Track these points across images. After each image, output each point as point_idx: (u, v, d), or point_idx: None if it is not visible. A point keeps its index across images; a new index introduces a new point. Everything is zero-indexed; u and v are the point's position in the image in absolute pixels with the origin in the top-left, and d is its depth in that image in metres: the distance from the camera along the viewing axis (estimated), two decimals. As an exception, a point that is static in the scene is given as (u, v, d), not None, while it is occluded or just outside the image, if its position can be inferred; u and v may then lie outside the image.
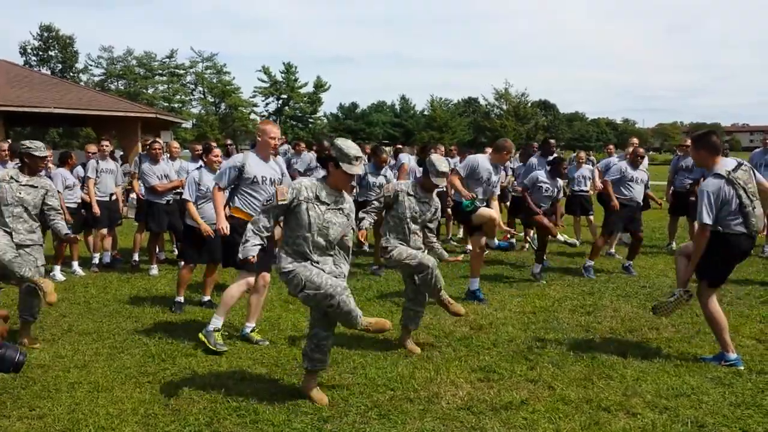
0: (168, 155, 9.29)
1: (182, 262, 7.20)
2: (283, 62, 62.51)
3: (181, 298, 6.89)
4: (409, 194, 5.37)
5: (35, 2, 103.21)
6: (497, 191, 7.22)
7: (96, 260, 9.17)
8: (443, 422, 3.93)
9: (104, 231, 9.11)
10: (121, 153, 20.99)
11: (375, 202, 5.51)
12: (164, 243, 9.99)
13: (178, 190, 8.86)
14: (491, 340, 5.54)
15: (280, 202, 4.08)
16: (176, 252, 9.58)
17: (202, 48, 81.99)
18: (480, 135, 63.65)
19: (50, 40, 57.84)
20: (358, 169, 4.09)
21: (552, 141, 10.20)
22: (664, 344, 5.46)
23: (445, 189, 9.41)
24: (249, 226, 4.20)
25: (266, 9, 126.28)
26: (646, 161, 9.77)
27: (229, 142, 11.77)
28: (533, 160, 9.66)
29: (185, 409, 4.15)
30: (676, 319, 6.27)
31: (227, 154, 10.90)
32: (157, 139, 9.22)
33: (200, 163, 7.95)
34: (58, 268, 8.46)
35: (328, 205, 4.15)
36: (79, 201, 8.79)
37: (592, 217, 10.63)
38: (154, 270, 8.77)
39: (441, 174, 5.35)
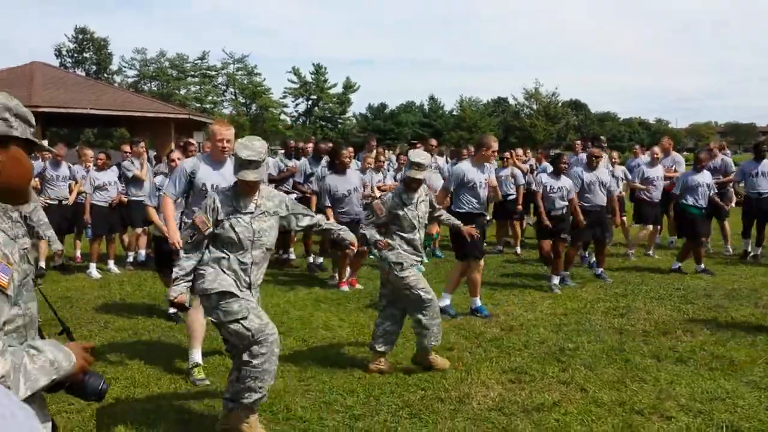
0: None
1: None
2: (312, 63, 62.75)
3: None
4: (404, 205, 4.92)
5: (71, 6, 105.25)
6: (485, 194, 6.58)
7: (131, 258, 9.34)
8: (474, 423, 3.94)
9: (139, 230, 9.28)
10: (155, 153, 21.39)
11: (370, 225, 4.97)
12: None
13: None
14: (522, 342, 5.52)
15: (205, 233, 3.65)
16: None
17: (233, 50, 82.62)
18: (509, 135, 63.24)
19: (85, 42, 58.98)
20: (248, 175, 3.60)
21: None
22: (698, 347, 5.39)
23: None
24: (175, 269, 3.76)
25: (294, 12, 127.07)
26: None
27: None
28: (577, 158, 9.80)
29: (219, 405, 4.22)
30: (711, 322, 6.18)
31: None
32: (191, 141, 9.36)
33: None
34: (93, 265, 8.64)
35: (252, 212, 3.72)
36: (110, 201, 8.85)
37: (624, 218, 10.50)
38: None
39: (412, 164, 4.89)
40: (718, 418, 3.95)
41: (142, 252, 9.54)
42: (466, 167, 6.55)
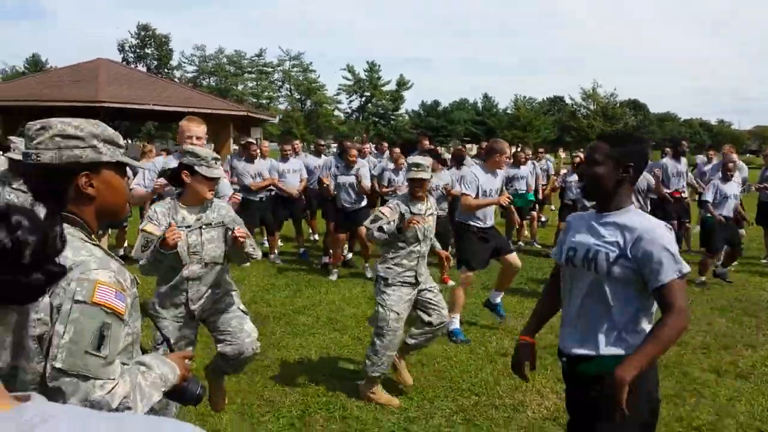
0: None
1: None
2: (366, 61, 63.08)
3: None
4: (412, 214, 4.48)
5: (133, 4, 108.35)
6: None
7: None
8: (529, 431, 3.96)
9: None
10: (213, 147, 21.87)
11: (384, 226, 4.43)
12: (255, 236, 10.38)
13: (270, 188, 9.29)
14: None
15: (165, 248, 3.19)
16: (266, 244, 9.93)
17: (290, 47, 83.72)
18: (565, 134, 62.23)
19: (147, 39, 60.69)
20: (218, 171, 3.49)
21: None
22: (760, 363, 5.27)
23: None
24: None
25: (348, 13, 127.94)
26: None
27: (321, 142, 11.94)
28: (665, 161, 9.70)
29: (279, 400, 4.36)
30: (775, 336, 6.02)
31: (317, 153, 11.22)
32: (251, 140, 9.59)
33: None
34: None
35: (190, 226, 3.46)
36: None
37: (688, 224, 10.26)
38: (246, 262, 9.13)
39: (411, 166, 4.56)
40: (781, 437, 3.88)
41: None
42: (479, 173, 5.98)
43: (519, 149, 11.92)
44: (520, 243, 10.95)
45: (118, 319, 1.62)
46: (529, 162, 11.17)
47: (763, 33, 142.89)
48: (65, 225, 1.64)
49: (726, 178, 8.28)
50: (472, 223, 5.97)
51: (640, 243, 2.25)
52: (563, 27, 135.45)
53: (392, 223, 4.40)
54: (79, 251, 1.63)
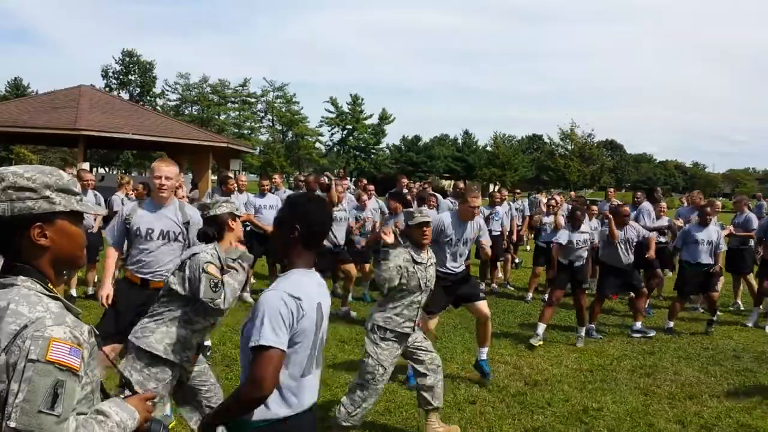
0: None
1: None
2: (350, 94, 63.64)
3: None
4: (415, 263, 4.46)
5: (120, 30, 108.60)
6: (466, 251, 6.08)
7: None
8: (494, 483, 3.96)
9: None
10: (191, 176, 21.86)
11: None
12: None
13: (246, 224, 9.27)
14: (546, 399, 5.52)
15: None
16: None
17: (274, 78, 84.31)
18: (542, 173, 63.03)
19: (131, 65, 60.77)
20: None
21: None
22: (724, 414, 5.33)
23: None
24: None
25: (335, 42, 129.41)
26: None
27: (301, 177, 11.97)
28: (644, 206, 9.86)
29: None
30: (739, 386, 6.11)
31: (296, 188, 11.27)
32: (229, 175, 9.62)
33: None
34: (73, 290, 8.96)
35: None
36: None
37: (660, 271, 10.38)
38: (247, 296, 9.16)
39: (412, 213, 4.64)
40: (741, 494, 3.92)
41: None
42: (447, 220, 5.85)
43: (496, 189, 12.08)
44: (494, 285, 11.01)
45: (73, 375, 1.63)
46: (505, 202, 11.31)
47: (742, 79, 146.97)
48: (21, 278, 1.67)
49: (703, 223, 8.43)
50: (439, 269, 5.37)
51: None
52: (546, 62, 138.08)
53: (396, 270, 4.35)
54: (35, 307, 1.64)
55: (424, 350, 4.56)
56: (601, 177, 61.07)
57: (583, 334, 7.58)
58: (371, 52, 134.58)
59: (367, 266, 9.45)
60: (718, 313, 8.67)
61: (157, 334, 3.49)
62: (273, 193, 10.14)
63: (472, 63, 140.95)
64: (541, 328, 7.38)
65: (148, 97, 60.44)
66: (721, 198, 54.24)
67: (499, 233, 10.71)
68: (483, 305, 5.91)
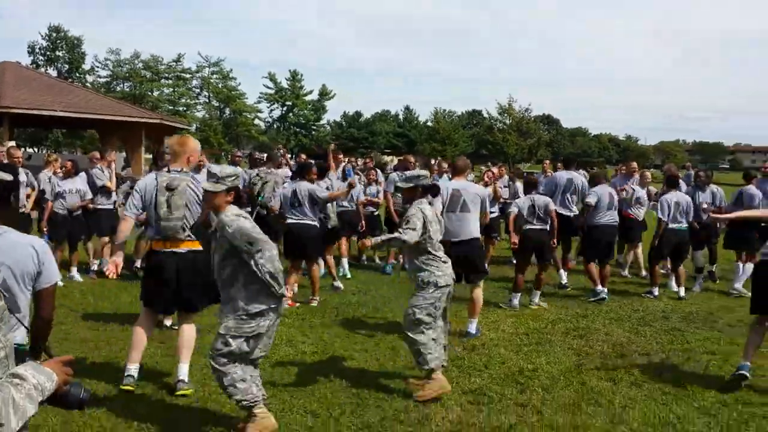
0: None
1: None
2: (289, 70, 62.70)
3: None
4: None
5: (46, 4, 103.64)
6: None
7: (95, 267, 9.24)
8: (432, 445, 4.00)
9: (105, 239, 9.18)
10: (124, 155, 21.18)
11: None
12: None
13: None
14: (483, 362, 5.61)
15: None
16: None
17: (210, 53, 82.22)
18: (482, 148, 63.82)
19: (58, 41, 58.12)
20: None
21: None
22: (653, 371, 5.53)
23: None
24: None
25: (274, 17, 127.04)
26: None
27: (238, 153, 11.81)
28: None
29: (182, 421, 4.23)
30: (667, 345, 6.35)
31: (233, 164, 11.04)
32: (165, 150, 9.33)
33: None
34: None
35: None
36: (70, 208, 8.79)
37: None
38: None
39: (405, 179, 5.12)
40: (668, 443, 4.07)
41: (106, 261, 9.44)
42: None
43: (436, 162, 12.15)
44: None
45: None
46: (445, 175, 11.36)
47: (674, 53, 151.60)
48: None
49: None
50: None
51: None
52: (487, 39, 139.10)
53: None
54: None
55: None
56: (538, 150, 62.22)
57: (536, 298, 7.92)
58: (311, 29, 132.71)
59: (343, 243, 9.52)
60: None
61: None
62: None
63: (413, 42, 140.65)
64: (517, 297, 7.78)
65: (78, 74, 58.00)
66: (651, 169, 56.15)
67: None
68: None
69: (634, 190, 9.76)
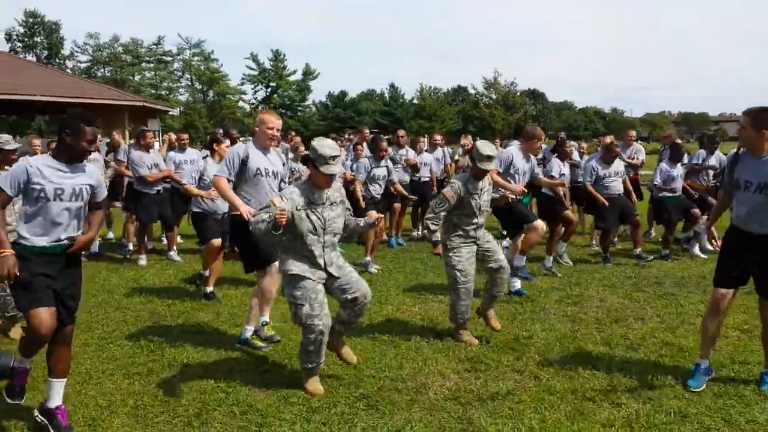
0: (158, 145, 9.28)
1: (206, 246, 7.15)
2: (271, 49, 61.98)
3: (211, 288, 6.90)
4: (470, 194, 5.30)
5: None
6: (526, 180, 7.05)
7: (95, 249, 9.16)
8: (430, 412, 3.99)
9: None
10: (108, 141, 20.92)
11: (441, 213, 5.28)
12: (152, 233, 9.95)
13: (167, 181, 8.93)
14: (478, 331, 5.59)
15: (279, 208, 4.03)
16: (165, 242, 9.57)
17: (190, 35, 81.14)
18: (469, 124, 63.59)
19: (35, 27, 57.13)
20: (334, 168, 4.17)
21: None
22: (648, 334, 5.54)
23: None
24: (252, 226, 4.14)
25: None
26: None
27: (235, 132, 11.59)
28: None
29: (175, 400, 4.18)
30: (662, 309, 6.36)
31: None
32: (147, 129, 9.21)
33: (206, 153, 8.07)
34: None
35: (323, 203, 4.26)
36: None
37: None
38: (143, 260, 8.75)
39: (483, 157, 5.21)
40: (667, 404, 4.07)
41: (96, 243, 9.32)
42: (515, 152, 6.96)
43: (422, 139, 12.09)
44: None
45: None
46: (439, 148, 11.34)
47: (656, 26, 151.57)
48: None
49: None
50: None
51: None
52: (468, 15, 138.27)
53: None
54: None
55: (490, 253, 5.48)
56: (529, 126, 62.09)
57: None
58: (288, 8, 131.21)
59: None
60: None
61: None
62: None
63: (394, 19, 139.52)
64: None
65: (57, 60, 57.13)
66: (639, 141, 56.28)
67: (428, 178, 10.76)
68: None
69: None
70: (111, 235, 11.00)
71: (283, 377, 4.57)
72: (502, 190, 6.62)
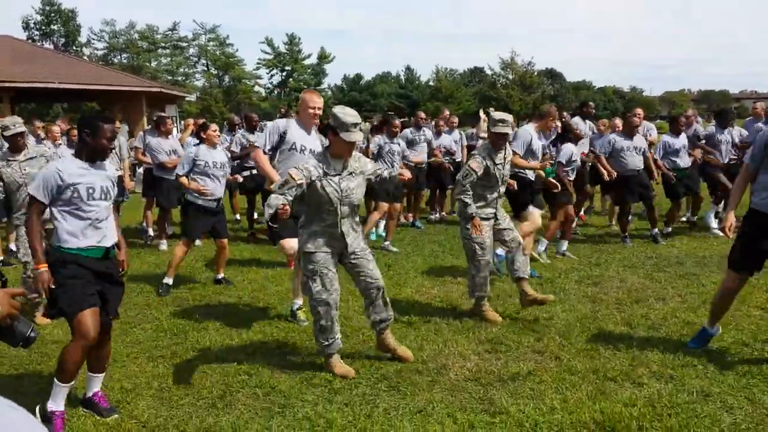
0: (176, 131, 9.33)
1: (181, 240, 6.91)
2: (286, 33, 61.89)
3: (170, 280, 6.60)
4: (494, 164, 5.41)
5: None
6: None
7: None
8: (451, 393, 4.00)
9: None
10: (126, 128, 21.06)
11: (468, 184, 5.37)
12: (172, 218, 10.04)
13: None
14: (499, 312, 5.58)
15: (298, 182, 4.02)
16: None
17: (205, 20, 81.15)
18: (485, 105, 63.07)
19: (52, 14, 57.46)
20: (356, 135, 4.12)
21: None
22: (670, 314, 5.50)
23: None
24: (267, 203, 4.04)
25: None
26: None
27: (236, 119, 11.61)
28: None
29: (199, 382, 4.24)
30: (683, 289, 6.31)
31: (231, 130, 10.94)
32: (165, 115, 9.24)
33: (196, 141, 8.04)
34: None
35: (340, 174, 4.22)
36: None
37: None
38: (164, 245, 8.85)
39: (497, 121, 5.33)
40: (689, 383, 4.05)
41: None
42: (532, 131, 7.04)
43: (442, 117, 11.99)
44: (443, 213, 11.08)
45: None
46: (456, 131, 11.25)
47: (674, 3, 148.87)
48: None
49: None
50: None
51: None
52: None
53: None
54: None
55: (506, 230, 5.60)
56: (542, 105, 61.54)
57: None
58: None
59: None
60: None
61: None
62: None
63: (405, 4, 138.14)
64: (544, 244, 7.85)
65: (74, 48, 57.49)
66: (658, 120, 55.54)
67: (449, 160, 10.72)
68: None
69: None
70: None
71: (305, 359, 4.61)
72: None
